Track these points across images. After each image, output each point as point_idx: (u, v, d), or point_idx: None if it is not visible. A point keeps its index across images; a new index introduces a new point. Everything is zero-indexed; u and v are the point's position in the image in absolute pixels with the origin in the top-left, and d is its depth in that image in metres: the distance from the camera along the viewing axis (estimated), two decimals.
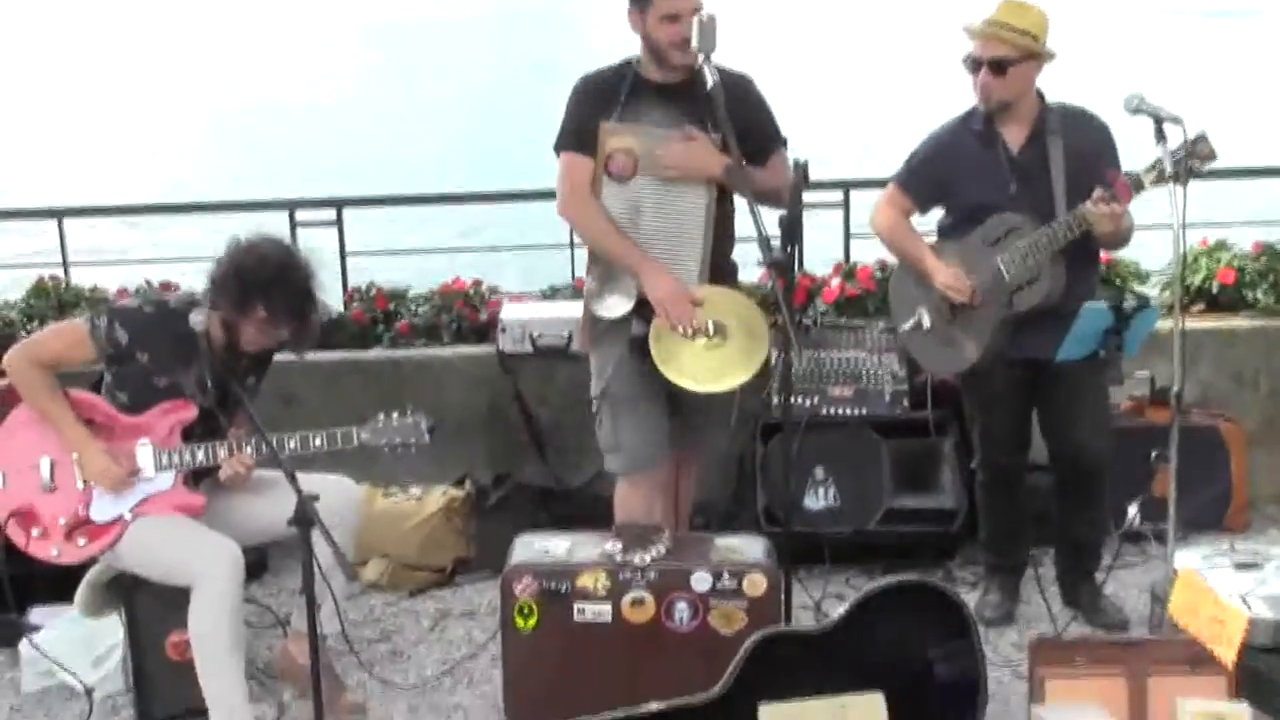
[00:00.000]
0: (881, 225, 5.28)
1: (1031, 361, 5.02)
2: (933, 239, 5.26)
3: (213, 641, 4.46)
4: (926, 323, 5.20)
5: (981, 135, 5.03)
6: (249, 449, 4.60)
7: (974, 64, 4.94)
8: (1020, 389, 5.17)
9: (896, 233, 5.25)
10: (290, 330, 4.63)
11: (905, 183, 5.23)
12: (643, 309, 4.76)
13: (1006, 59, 4.86)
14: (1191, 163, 4.42)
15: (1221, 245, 6.70)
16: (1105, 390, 5.16)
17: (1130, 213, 4.87)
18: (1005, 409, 5.24)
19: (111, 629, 4.92)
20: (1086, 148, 4.90)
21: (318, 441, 4.64)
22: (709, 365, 4.71)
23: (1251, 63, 34.85)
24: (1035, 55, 4.88)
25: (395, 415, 4.70)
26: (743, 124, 4.62)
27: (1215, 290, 6.58)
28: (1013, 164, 4.98)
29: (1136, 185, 4.65)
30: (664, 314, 4.69)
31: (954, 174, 5.09)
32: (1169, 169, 4.45)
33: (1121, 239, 5.00)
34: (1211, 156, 4.44)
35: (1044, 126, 4.96)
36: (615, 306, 4.79)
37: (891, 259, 5.85)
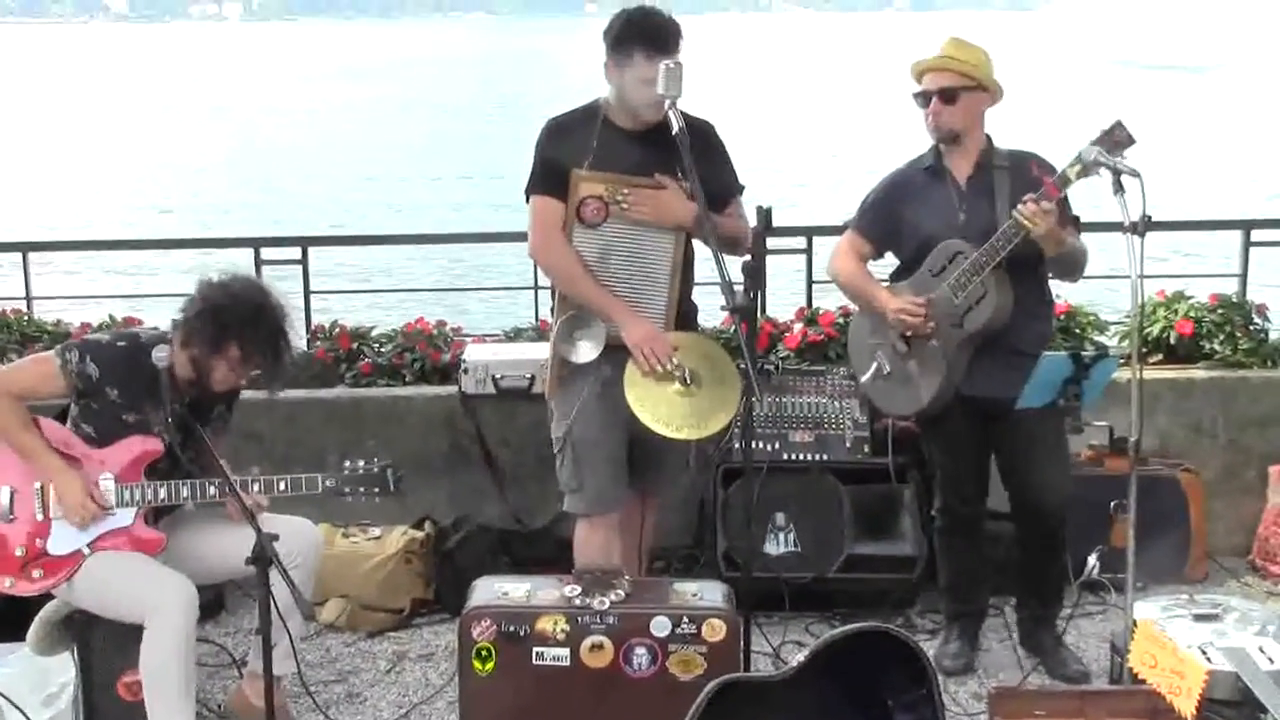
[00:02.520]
0: (837, 270, 5.35)
1: (989, 402, 5.04)
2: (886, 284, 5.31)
3: (163, 679, 4.42)
4: (886, 368, 5.24)
5: (931, 170, 5.14)
6: (254, 487, 4.59)
7: (924, 98, 5.06)
8: (979, 433, 5.20)
9: (851, 276, 5.31)
10: (263, 369, 4.62)
11: (859, 225, 5.31)
12: (611, 353, 4.77)
13: (956, 87, 4.99)
14: (1112, 150, 4.49)
15: (1179, 296, 6.76)
16: (1064, 436, 5.19)
17: (1082, 241, 4.94)
18: (964, 453, 5.27)
19: (63, 667, 4.85)
20: (1030, 176, 4.96)
21: (282, 485, 4.64)
22: (684, 412, 4.74)
23: (1203, 117, 35.27)
24: (982, 86, 5.01)
25: (361, 464, 4.71)
26: (703, 171, 4.64)
27: (1173, 341, 6.62)
28: (960, 194, 5.08)
29: (1063, 182, 4.74)
30: (642, 356, 4.71)
31: (905, 210, 5.17)
32: (1091, 159, 4.56)
33: (1069, 259, 5.01)
34: (1129, 141, 4.52)
35: (990, 159, 5.08)
36: (585, 351, 4.80)
37: (854, 305, 5.87)
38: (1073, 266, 5.09)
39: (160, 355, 4.35)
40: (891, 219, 5.20)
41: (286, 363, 4.71)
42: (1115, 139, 4.53)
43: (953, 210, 5.06)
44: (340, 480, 4.68)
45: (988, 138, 5.12)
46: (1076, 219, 5.04)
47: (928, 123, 5.09)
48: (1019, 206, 4.78)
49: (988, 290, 4.92)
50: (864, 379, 5.36)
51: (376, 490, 4.71)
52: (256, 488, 4.59)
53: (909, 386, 5.20)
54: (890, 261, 5.35)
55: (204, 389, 4.60)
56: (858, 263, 5.30)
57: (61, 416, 4.75)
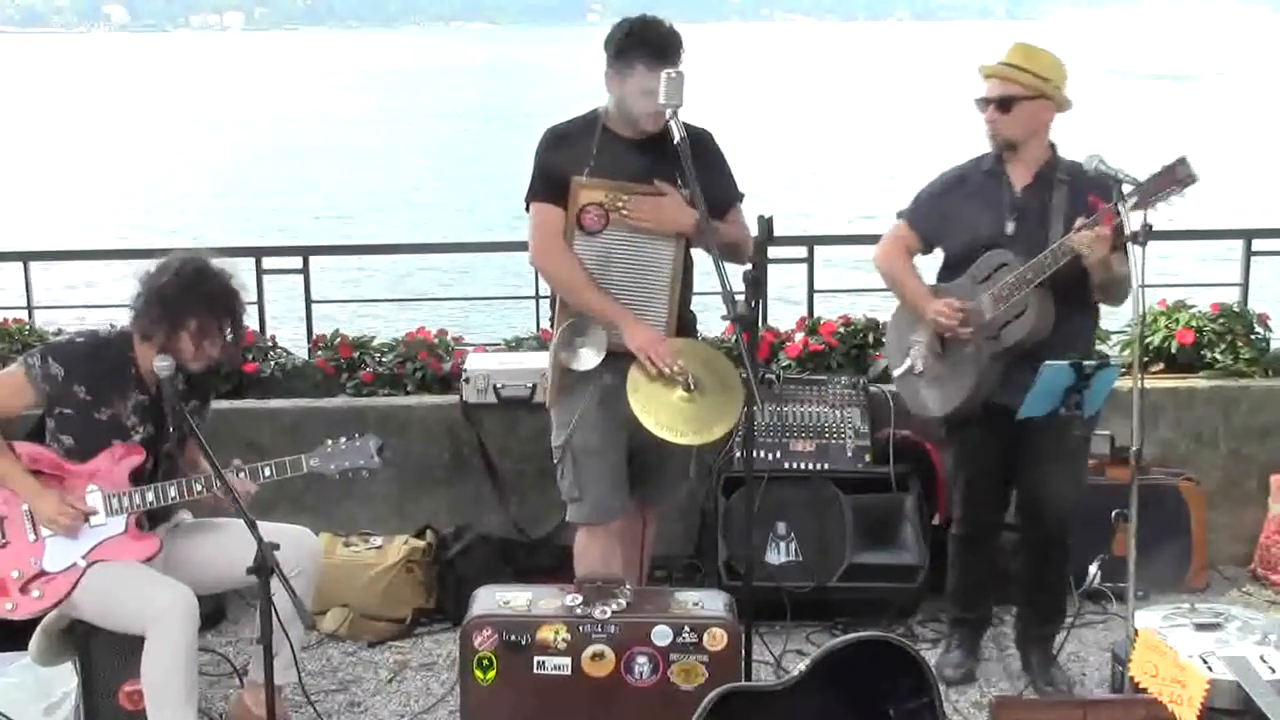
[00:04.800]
0: (882, 260, 5.28)
1: (1008, 410, 4.95)
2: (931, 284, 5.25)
3: (165, 690, 4.41)
4: (919, 366, 5.19)
5: (988, 173, 5.07)
6: (239, 476, 4.57)
7: (984, 102, 4.99)
8: (1002, 444, 5.13)
9: (895, 268, 5.24)
10: (230, 331, 4.60)
11: (911, 216, 5.24)
12: (612, 361, 4.77)
13: (1012, 96, 4.92)
14: (1172, 186, 4.45)
15: (1180, 305, 6.75)
16: (1082, 451, 5.16)
17: (1128, 266, 4.88)
18: (986, 464, 5.21)
19: (65, 677, 4.86)
20: (1088, 196, 4.86)
21: (267, 471, 4.64)
22: (688, 417, 4.73)
23: (1204, 126, 35.30)
24: (1044, 95, 4.92)
25: (343, 440, 4.70)
26: (703, 179, 4.64)
27: (1174, 350, 6.62)
28: (1013, 202, 5.00)
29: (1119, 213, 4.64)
30: (647, 360, 4.71)
31: (957, 208, 5.10)
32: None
33: (1117, 284, 4.90)
34: (1191, 179, 4.46)
35: (1051, 172, 4.98)
36: (587, 359, 4.80)
37: (855, 314, 5.86)
38: (1117, 292, 5.00)
39: (163, 365, 4.33)
40: (943, 216, 5.14)
41: (244, 325, 4.72)
42: (1176, 176, 4.49)
43: (1002, 219, 4.99)
44: (324, 458, 4.68)
45: (1052, 147, 5.03)
46: (1125, 244, 4.88)
47: (986, 129, 5.03)
48: (1074, 234, 4.71)
49: (1028, 306, 4.87)
50: (896, 373, 5.34)
51: (361, 464, 4.70)
52: (242, 476, 4.59)
53: (939, 388, 5.15)
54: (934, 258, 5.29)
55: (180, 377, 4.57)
56: (904, 256, 5.25)
57: (37, 434, 4.74)
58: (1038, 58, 4.97)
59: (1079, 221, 4.74)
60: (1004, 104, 4.94)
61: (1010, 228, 4.99)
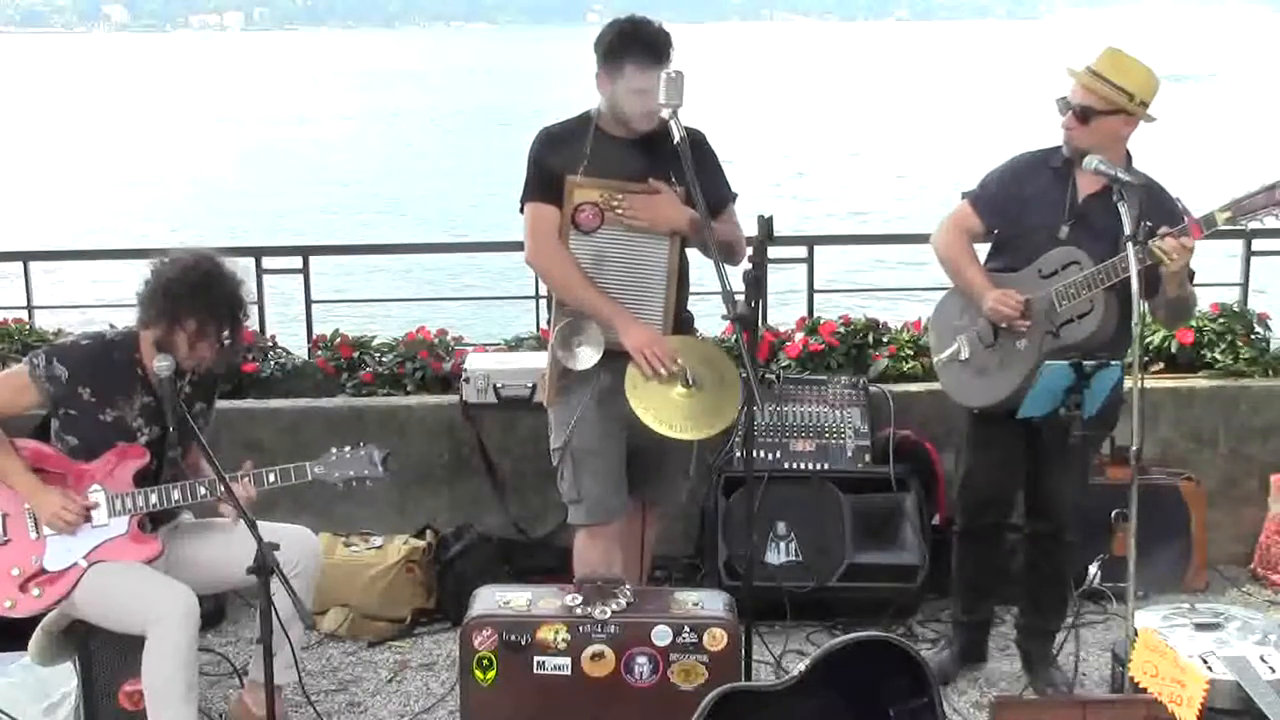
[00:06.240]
0: (941, 243, 5.17)
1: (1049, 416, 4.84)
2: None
3: (165, 690, 4.41)
4: (965, 353, 5.12)
5: (1056, 172, 4.97)
6: (244, 480, 4.57)
7: (1063, 103, 4.89)
8: (1025, 449, 5.09)
9: (954, 251, 5.13)
10: (227, 336, 4.57)
11: (977, 199, 5.13)
12: (610, 360, 4.77)
13: (1092, 108, 4.80)
14: (1270, 206, 4.44)
15: None
16: (1089, 453, 5.14)
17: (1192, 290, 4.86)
18: (1006, 468, 5.17)
19: (65, 677, 4.86)
20: (1152, 217, 4.70)
21: (271, 478, 4.63)
22: (687, 412, 4.73)
23: (1198, 125, 35.34)
24: (1123, 110, 4.81)
25: (348, 449, 4.70)
26: (697, 178, 4.61)
27: (1174, 350, 6.62)
28: (1074, 208, 4.91)
29: (1208, 224, 4.59)
30: (643, 360, 4.71)
31: (1020, 199, 5.01)
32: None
33: (1181, 305, 4.88)
34: None
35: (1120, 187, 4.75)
36: (584, 358, 4.80)
37: (855, 314, 5.82)
38: (1182, 313, 4.97)
39: (163, 365, 4.34)
40: (1009, 202, 5.03)
41: (244, 329, 4.71)
42: (1276, 198, 4.45)
43: (1058, 220, 4.90)
44: (328, 466, 4.68)
45: (1127, 158, 4.90)
46: (1192, 271, 4.84)
47: (1062, 134, 4.93)
48: (1159, 240, 4.56)
49: (1094, 307, 4.78)
50: (938, 359, 5.24)
51: (365, 474, 4.70)
52: (245, 481, 4.58)
53: (985, 379, 5.07)
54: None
55: (180, 375, 4.55)
56: (964, 239, 5.13)
57: (42, 431, 4.74)
58: (1126, 70, 4.82)
59: (1163, 229, 4.61)
60: (1082, 114, 4.82)
61: (1064, 232, 4.90)
